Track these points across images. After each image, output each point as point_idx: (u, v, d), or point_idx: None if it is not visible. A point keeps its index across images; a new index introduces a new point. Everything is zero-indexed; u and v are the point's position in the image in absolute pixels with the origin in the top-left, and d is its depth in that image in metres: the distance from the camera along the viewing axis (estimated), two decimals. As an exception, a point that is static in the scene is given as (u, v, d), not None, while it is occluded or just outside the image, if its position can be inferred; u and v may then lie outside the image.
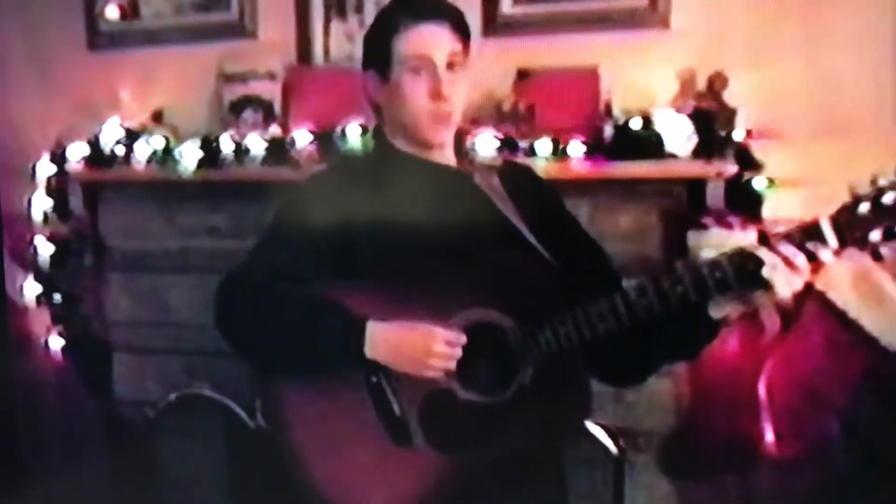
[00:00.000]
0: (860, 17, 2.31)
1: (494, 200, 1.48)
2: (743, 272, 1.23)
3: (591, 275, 1.48)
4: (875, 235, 1.16)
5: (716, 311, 1.30)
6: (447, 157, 1.52)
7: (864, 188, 1.17)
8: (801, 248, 1.20)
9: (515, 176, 1.57)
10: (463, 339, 1.34)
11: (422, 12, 1.44)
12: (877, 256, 1.18)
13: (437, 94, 1.42)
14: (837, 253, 1.19)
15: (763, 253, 1.21)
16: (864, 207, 1.16)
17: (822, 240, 1.19)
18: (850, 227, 1.17)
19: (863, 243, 1.17)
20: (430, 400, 1.37)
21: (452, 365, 1.34)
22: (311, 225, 1.42)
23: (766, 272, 1.20)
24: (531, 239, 1.44)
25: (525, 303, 1.35)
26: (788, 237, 1.21)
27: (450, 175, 1.51)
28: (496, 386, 1.36)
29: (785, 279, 1.20)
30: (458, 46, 1.44)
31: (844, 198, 1.18)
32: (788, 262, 1.20)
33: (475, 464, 1.36)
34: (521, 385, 1.35)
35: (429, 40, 1.42)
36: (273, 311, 1.38)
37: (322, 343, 1.35)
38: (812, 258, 1.20)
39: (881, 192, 1.15)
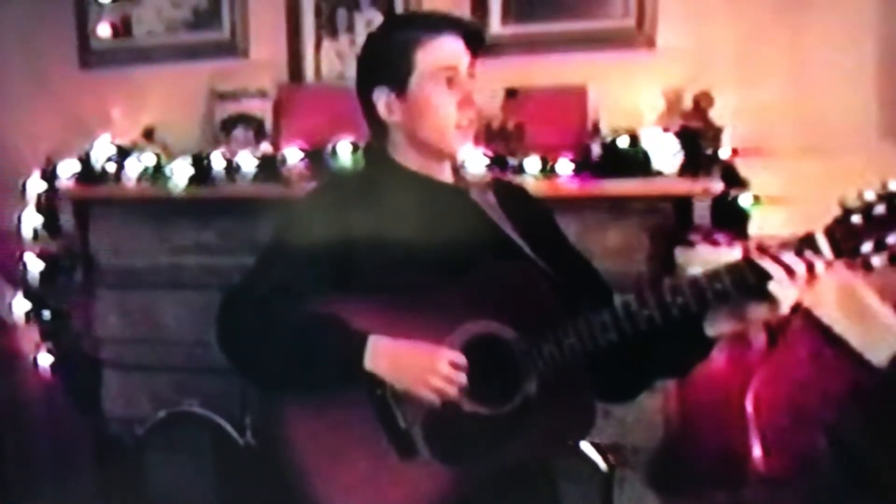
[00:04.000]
0: (843, 36, 2.34)
1: (491, 216, 1.48)
2: (744, 284, 1.23)
3: (584, 290, 1.48)
4: (866, 247, 1.17)
5: (711, 329, 1.30)
6: (445, 174, 1.52)
7: (853, 201, 1.18)
8: (800, 257, 1.21)
9: (509, 193, 1.58)
10: (465, 364, 1.33)
11: (442, 24, 1.45)
12: (867, 267, 1.19)
13: (468, 103, 1.43)
14: (829, 265, 1.20)
15: (767, 264, 1.21)
16: (856, 218, 1.18)
17: (817, 251, 1.20)
18: (844, 238, 1.18)
19: (854, 254, 1.19)
20: (435, 412, 1.36)
21: (453, 390, 1.33)
22: (312, 241, 1.42)
23: (772, 286, 1.20)
24: (530, 253, 1.45)
25: (527, 314, 1.35)
26: (786, 247, 1.22)
27: (447, 191, 1.51)
28: (501, 398, 1.36)
29: (786, 290, 1.20)
30: (471, 59, 1.46)
31: (830, 215, 1.20)
32: (790, 272, 1.20)
33: (480, 476, 1.36)
34: (526, 397, 1.34)
35: (454, 50, 1.43)
36: (274, 329, 1.37)
37: (323, 355, 1.34)
38: (810, 268, 1.20)
39: (872, 204, 1.17)
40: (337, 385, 1.37)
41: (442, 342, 1.36)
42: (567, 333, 1.32)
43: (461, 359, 1.33)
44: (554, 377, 1.33)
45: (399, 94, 1.45)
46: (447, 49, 1.43)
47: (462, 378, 1.33)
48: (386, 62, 1.46)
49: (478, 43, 1.48)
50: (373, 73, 1.49)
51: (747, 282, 1.22)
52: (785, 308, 1.22)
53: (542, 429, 1.35)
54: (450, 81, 1.43)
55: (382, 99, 1.47)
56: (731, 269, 1.24)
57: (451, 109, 1.43)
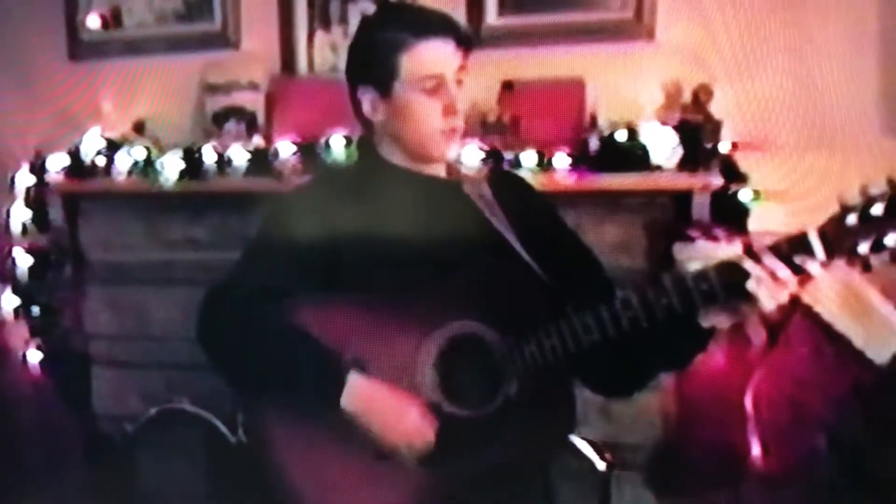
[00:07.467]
0: (845, 28, 2.32)
1: (483, 210, 1.46)
2: (729, 284, 1.22)
3: (583, 283, 1.46)
4: (864, 247, 1.14)
5: (705, 321, 1.28)
6: (436, 168, 1.50)
7: (854, 198, 1.15)
8: (788, 260, 1.19)
9: (506, 184, 1.56)
10: (432, 433, 1.32)
11: (429, 28, 1.39)
12: (866, 268, 1.16)
13: (452, 112, 1.40)
14: (826, 265, 1.18)
15: (749, 265, 1.20)
16: (851, 219, 1.14)
17: (809, 252, 1.17)
18: (838, 238, 1.16)
19: (851, 255, 1.16)
20: None
21: (416, 446, 1.32)
22: (297, 237, 1.41)
23: (750, 285, 1.20)
24: (519, 249, 1.43)
25: (510, 315, 1.34)
26: (775, 249, 1.20)
27: (438, 185, 1.49)
28: (481, 399, 1.34)
29: (769, 292, 1.19)
30: (462, 62, 1.41)
31: (830, 210, 1.17)
32: (773, 276, 1.19)
33: (460, 478, 1.35)
34: (506, 398, 1.33)
35: (440, 57, 1.39)
36: (254, 339, 1.37)
37: (300, 383, 1.34)
38: (799, 271, 1.19)
39: (870, 202, 1.13)
40: (309, 405, 1.37)
41: (423, 343, 1.35)
42: (549, 334, 1.31)
43: (428, 422, 1.32)
44: (535, 378, 1.32)
45: (383, 96, 1.43)
46: (433, 55, 1.39)
47: (429, 435, 1.32)
48: (370, 63, 1.44)
49: (469, 42, 1.43)
50: (358, 71, 1.47)
51: (732, 282, 1.21)
52: (769, 306, 1.20)
53: (523, 430, 1.34)
54: (434, 89, 1.39)
55: (367, 98, 1.45)
56: (718, 269, 1.23)
57: (435, 117, 1.40)
